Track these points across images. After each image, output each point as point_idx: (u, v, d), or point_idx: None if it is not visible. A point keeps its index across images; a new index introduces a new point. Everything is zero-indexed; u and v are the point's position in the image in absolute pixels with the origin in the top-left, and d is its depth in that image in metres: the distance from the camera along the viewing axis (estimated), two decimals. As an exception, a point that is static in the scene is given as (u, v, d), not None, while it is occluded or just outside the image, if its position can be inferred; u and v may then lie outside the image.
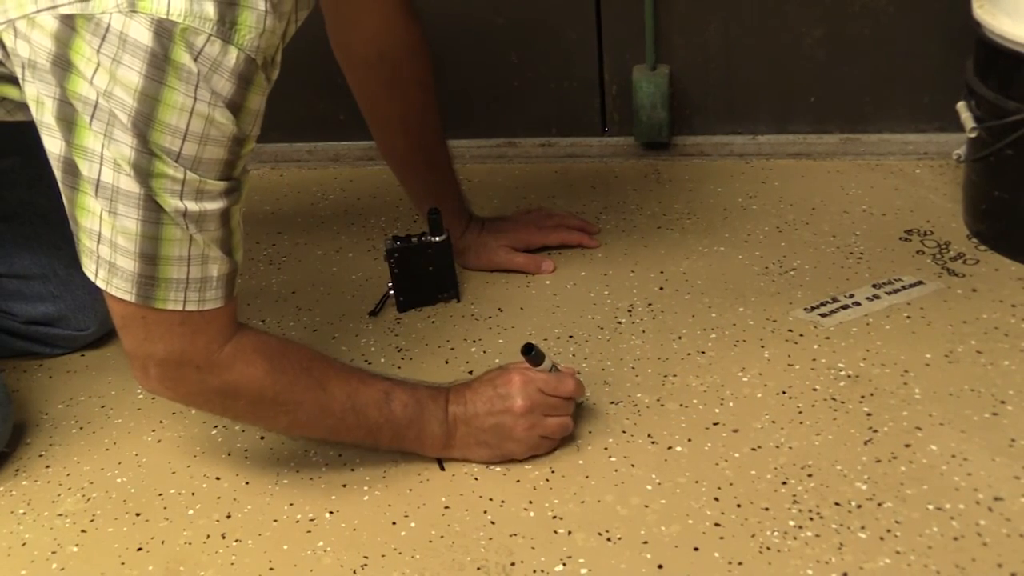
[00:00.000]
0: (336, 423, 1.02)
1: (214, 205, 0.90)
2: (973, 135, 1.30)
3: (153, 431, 1.16)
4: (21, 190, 1.24)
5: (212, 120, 0.86)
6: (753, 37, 1.57)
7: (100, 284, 0.93)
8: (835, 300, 1.26)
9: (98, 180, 0.87)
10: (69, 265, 1.23)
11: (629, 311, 1.28)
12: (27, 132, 1.26)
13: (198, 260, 0.92)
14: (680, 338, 1.22)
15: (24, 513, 1.06)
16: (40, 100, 0.87)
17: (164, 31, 0.82)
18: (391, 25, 1.26)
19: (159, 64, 0.82)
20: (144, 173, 0.86)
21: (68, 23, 0.83)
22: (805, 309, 1.25)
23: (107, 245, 0.90)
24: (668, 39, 1.58)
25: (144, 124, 0.84)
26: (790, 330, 1.22)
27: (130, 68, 0.82)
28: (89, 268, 0.93)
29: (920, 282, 1.28)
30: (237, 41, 0.84)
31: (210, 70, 0.84)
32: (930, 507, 0.96)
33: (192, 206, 0.88)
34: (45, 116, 0.87)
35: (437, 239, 1.29)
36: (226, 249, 0.94)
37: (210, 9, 0.82)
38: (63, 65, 0.84)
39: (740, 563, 0.93)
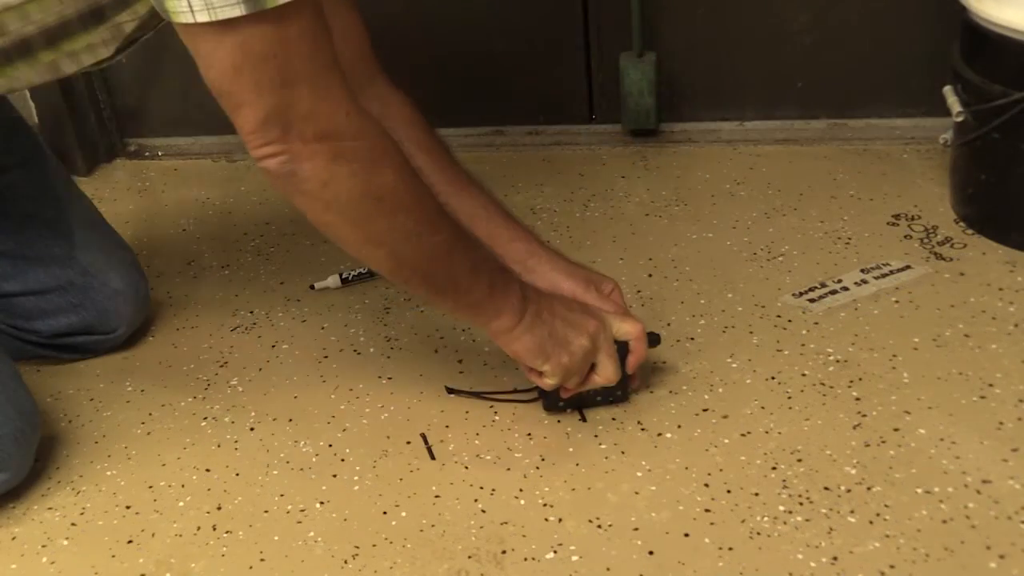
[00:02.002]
0: (449, 241, 0.95)
1: None
2: (959, 119, 1.30)
3: (142, 423, 1.16)
4: (25, 203, 1.22)
5: None
6: (740, 23, 1.57)
7: (201, 18, 0.77)
8: (823, 285, 1.26)
9: None
10: (85, 272, 1.22)
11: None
12: (26, 144, 1.25)
13: None
14: (669, 325, 1.22)
15: (13, 507, 1.06)
16: None
17: None
18: (378, 96, 1.13)
19: None
20: None
21: None
22: (793, 295, 1.25)
23: None
24: (655, 26, 1.58)
25: None
26: (779, 316, 1.22)
27: None
28: (180, 12, 0.78)
29: (908, 267, 1.28)
30: None
31: None
32: (919, 490, 0.97)
33: None
34: None
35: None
36: None
37: None
38: None
39: (731, 548, 0.93)
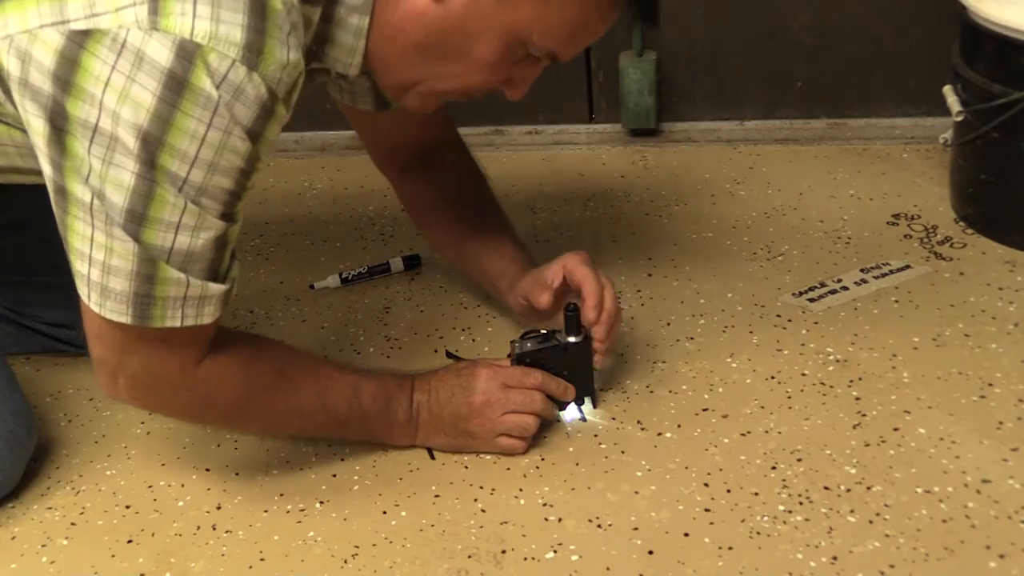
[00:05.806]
0: (306, 422, 1.03)
1: (206, 235, 0.86)
2: (959, 119, 1.30)
3: (142, 423, 1.16)
4: (30, 196, 1.22)
5: (225, 147, 0.82)
6: (739, 23, 1.57)
7: (93, 308, 0.89)
8: (823, 285, 1.26)
9: (91, 204, 0.84)
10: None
11: (618, 298, 1.28)
12: None
13: (197, 286, 0.89)
14: (669, 324, 1.22)
15: (13, 507, 1.06)
16: (30, 121, 0.82)
17: (186, 53, 0.78)
18: (428, 120, 1.19)
19: (176, 87, 0.79)
20: (144, 198, 0.83)
21: (77, 40, 0.78)
22: (793, 294, 1.25)
23: (99, 268, 0.86)
24: (655, 26, 1.58)
25: (153, 146, 0.80)
26: (778, 315, 1.22)
27: (144, 88, 0.78)
28: (82, 290, 0.89)
29: (908, 266, 1.28)
30: (262, 70, 0.80)
31: (232, 98, 0.80)
32: (919, 490, 0.97)
33: (183, 240, 0.85)
34: (36, 138, 0.83)
35: (574, 340, 1.06)
36: (214, 275, 0.90)
37: (237, 34, 0.79)
38: (62, 85, 0.79)
39: (730, 548, 0.93)
